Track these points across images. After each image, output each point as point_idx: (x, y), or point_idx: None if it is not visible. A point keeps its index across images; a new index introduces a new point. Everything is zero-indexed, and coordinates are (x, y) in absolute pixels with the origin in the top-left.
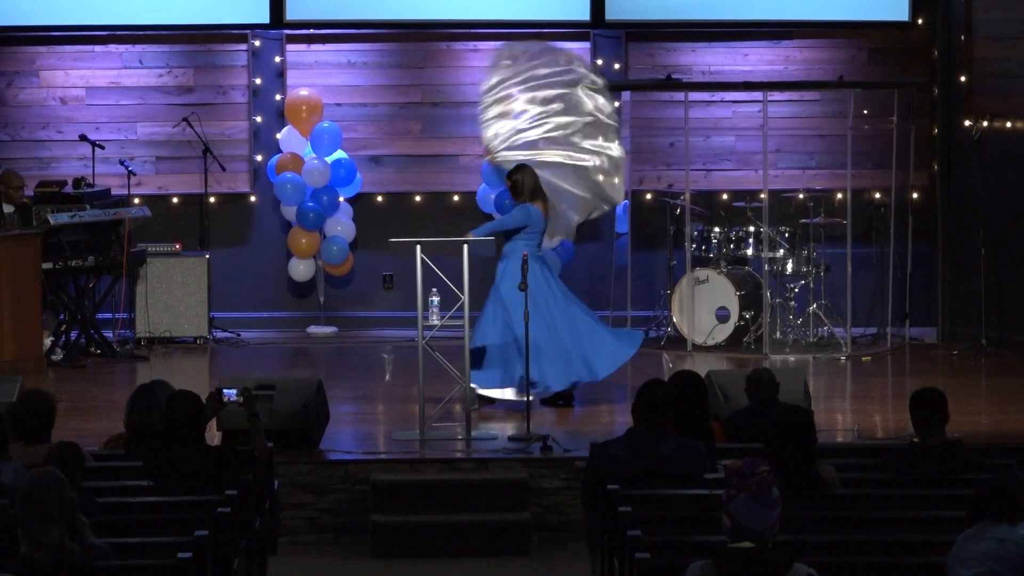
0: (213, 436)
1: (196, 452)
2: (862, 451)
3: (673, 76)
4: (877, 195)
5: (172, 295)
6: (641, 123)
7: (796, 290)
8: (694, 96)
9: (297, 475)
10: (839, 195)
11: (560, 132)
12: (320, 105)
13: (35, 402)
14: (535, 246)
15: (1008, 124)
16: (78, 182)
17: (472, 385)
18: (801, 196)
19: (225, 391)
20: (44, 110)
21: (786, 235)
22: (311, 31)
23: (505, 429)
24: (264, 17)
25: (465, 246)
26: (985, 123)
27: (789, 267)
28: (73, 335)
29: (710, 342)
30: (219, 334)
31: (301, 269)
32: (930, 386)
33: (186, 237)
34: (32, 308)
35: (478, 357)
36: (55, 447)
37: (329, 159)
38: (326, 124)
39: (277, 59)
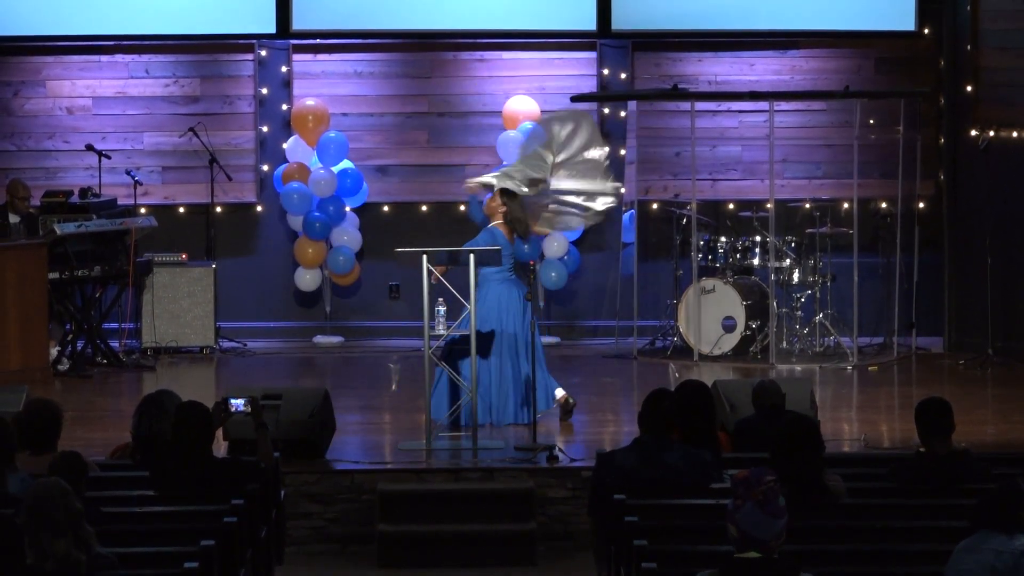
0: (220, 446)
1: (203, 462)
2: (868, 461)
3: (679, 86)
4: (883, 205)
5: (178, 305)
6: (647, 133)
7: (802, 300)
8: (700, 106)
9: (303, 485)
10: (845, 205)
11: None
12: (326, 115)
13: (41, 412)
14: (507, 269)
15: (1015, 133)
16: (84, 192)
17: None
18: (807, 206)
19: (232, 401)
20: (51, 120)
21: (792, 245)
22: (318, 41)
23: (511, 439)
24: (270, 27)
25: (471, 256)
26: (992, 132)
27: (795, 277)
28: (79, 345)
29: (716, 352)
30: (225, 344)
31: (307, 279)
32: (936, 395)
33: (192, 247)
34: (38, 318)
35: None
36: (58, 457)
37: (336, 169)
38: (332, 134)
39: (284, 69)
